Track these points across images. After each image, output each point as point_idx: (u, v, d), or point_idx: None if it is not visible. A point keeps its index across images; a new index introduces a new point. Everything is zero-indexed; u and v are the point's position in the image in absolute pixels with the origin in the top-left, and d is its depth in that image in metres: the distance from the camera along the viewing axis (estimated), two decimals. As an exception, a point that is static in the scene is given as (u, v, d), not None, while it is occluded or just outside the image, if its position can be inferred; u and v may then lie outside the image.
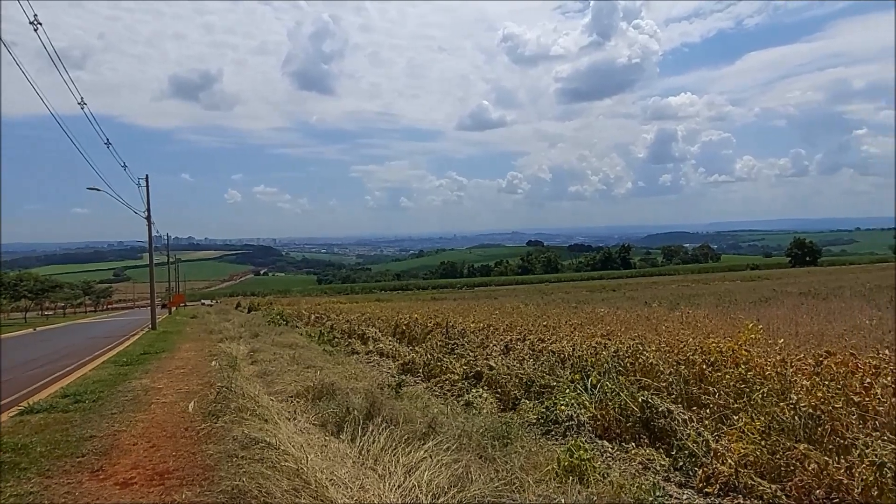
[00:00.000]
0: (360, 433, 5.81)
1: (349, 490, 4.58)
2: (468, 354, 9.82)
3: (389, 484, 4.58)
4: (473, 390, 7.97)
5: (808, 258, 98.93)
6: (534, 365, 8.47)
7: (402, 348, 13.21)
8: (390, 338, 15.32)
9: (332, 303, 38.89)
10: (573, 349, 8.65)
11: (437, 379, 9.19)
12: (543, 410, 6.54)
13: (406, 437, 5.36)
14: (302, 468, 4.72)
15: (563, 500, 3.86)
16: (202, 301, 71.43)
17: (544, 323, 13.00)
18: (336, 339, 16.30)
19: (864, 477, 3.71)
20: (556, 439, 5.91)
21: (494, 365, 8.52)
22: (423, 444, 5.13)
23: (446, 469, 4.58)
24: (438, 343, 11.54)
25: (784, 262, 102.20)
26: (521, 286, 78.61)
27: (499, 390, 7.88)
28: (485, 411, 6.84)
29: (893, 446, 3.53)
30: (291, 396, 8.22)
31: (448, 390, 8.58)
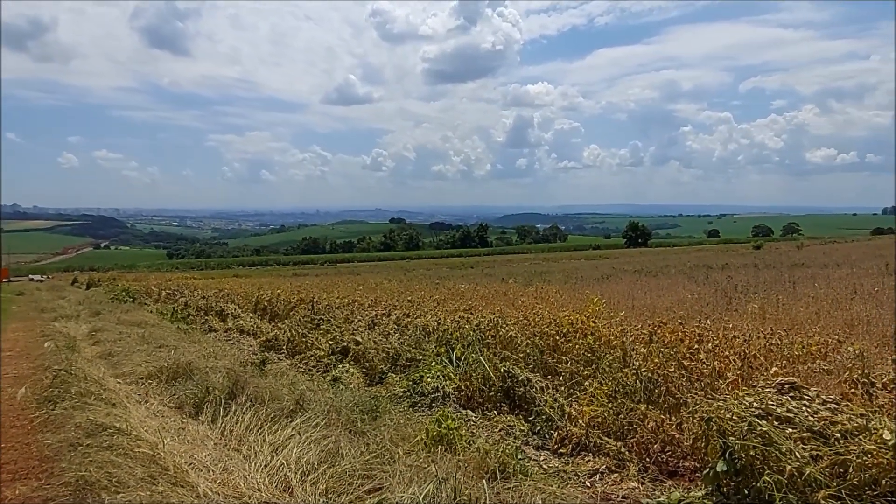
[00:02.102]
0: (221, 413, 5.51)
1: (211, 473, 4.33)
2: (334, 330, 9.66)
3: (255, 464, 4.39)
4: (340, 365, 7.87)
5: (640, 240, 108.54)
6: (400, 339, 8.52)
7: (265, 325, 12.70)
8: (251, 314, 14.66)
9: (185, 278, 36.40)
10: (437, 323, 8.82)
11: (303, 355, 8.94)
12: (410, 383, 6.61)
13: (272, 415, 5.16)
14: (158, 453, 4.38)
15: (433, 469, 3.92)
16: (30, 276, 63.44)
17: (409, 298, 13.13)
18: (191, 317, 15.29)
19: (694, 431, 4.14)
20: (423, 411, 5.99)
21: (361, 340, 8.46)
22: (290, 422, 4.97)
23: (316, 445, 4.48)
24: (303, 319, 11.24)
25: (620, 243, 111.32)
26: (384, 263, 78.72)
27: (366, 365, 7.84)
28: (352, 386, 6.77)
29: (718, 403, 3.96)
30: (142, 378, 7.59)
31: (314, 366, 8.39)
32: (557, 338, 7.23)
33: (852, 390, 4.83)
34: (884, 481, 3.26)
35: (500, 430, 5.40)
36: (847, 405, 4.13)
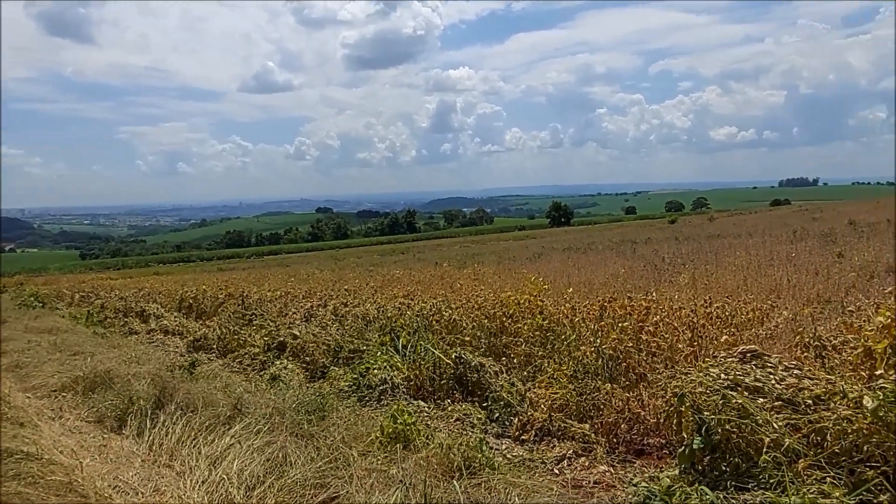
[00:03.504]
0: (148, 425, 4.89)
1: (140, 496, 3.77)
2: (268, 325, 9.04)
3: (191, 481, 3.85)
4: (278, 362, 7.31)
5: (563, 219, 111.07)
6: (340, 330, 8.05)
7: (191, 323, 11.84)
8: (175, 313, 13.69)
9: (100, 279, 34.06)
10: (379, 311, 8.40)
11: (236, 353, 8.30)
12: (356, 376, 6.18)
13: (208, 423, 4.61)
14: (75, 479, 3.77)
15: (394, 471, 3.54)
16: None
17: (345, 287, 12.60)
18: (109, 320, 14.12)
19: (663, 409, 3.96)
20: (373, 405, 5.60)
21: (299, 333, 7.92)
22: (228, 430, 4.44)
23: (259, 454, 3.99)
24: (233, 315, 10.51)
25: (545, 223, 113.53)
26: (313, 253, 76.81)
27: (306, 360, 7.32)
28: (294, 384, 6.26)
29: (690, 377, 3.77)
30: (55, 391, 6.76)
31: (249, 365, 7.78)
32: (504, 319, 6.98)
33: (804, 354, 4.82)
34: (865, 447, 3.16)
35: (455, 420, 5.08)
36: (809, 370, 4.06)
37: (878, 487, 2.92)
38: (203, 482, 3.80)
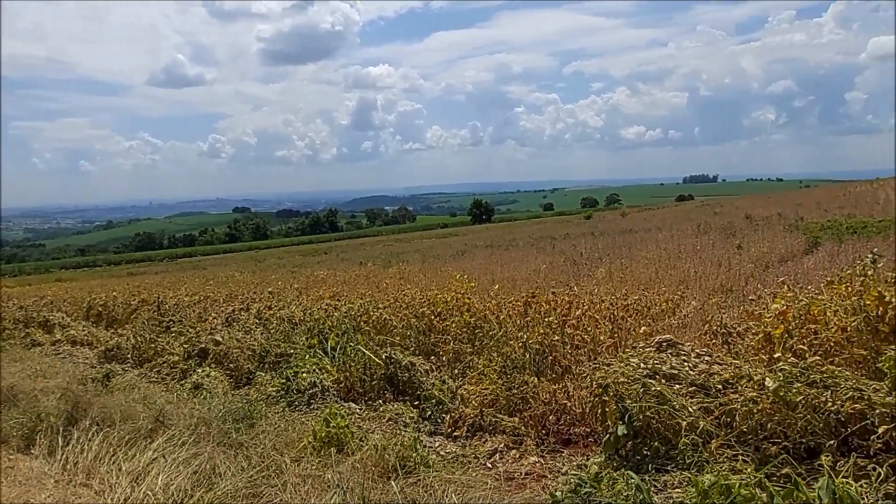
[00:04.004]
0: (60, 443, 4.58)
1: (55, 519, 3.54)
2: (188, 331, 8.65)
3: (112, 499, 3.66)
4: (199, 370, 7.02)
5: (484, 216, 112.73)
6: (265, 334, 7.83)
7: (102, 332, 11.15)
8: (84, 322, 12.84)
9: (-6, 288, 31.41)
10: (305, 313, 8.23)
11: (153, 363, 7.89)
12: (284, 381, 6.04)
13: (127, 437, 4.37)
14: (-21, 506, 3.49)
15: (329, 476, 3.50)
16: None
17: (268, 289, 12.26)
18: (7, 332, 13.05)
19: (588, 399, 4.12)
20: (302, 409, 5.49)
21: (221, 339, 7.63)
22: (151, 443, 4.23)
23: (186, 467, 3.83)
24: (148, 322, 9.98)
25: (466, 220, 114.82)
26: (231, 255, 74.12)
27: (230, 366, 7.07)
28: (219, 391, 6.04)
29: (613, 368, 3.95)
30: (-51, 412, 6.20)
31: (168, 374, 7.43)
32: (433, 318, 7.03)
33: (713, 341, 5.15)
34: (769, 425, 3.42)
35: (388, 421, 5.07)
36: (718, 356, 4.35)
37: (782, 461, 3.17)
38: (125, 500, 3.62)
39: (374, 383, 5.84)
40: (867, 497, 2.75)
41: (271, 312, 9.14)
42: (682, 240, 19.20)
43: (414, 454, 3.85)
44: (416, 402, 5.38)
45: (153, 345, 8.50)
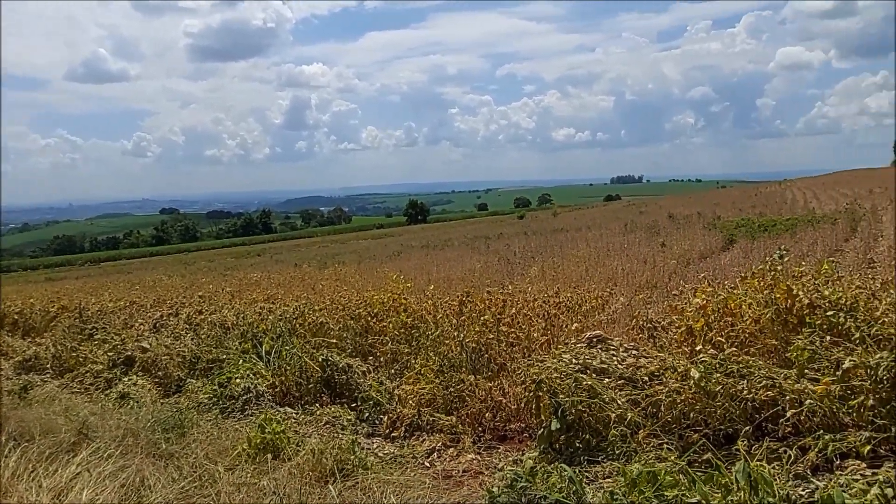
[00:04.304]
0: (-29, 462, 4.26)
1: (-34, 543, 3.29)
2: (112, 338, 8.23)
3: (31, 519, 3.44)
4: (126, 378, 6.70)
5: (420, 217, 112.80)
6: (196, 340, 7.55)
7: (18, 342, 10.43)
8: (-4, 331, 11.98)
9: None
10: (238, 317, 7.99)
11: (75, 373, 7.47)
12: (216, 388, 5.84)
13: (48, 452, 4.11)
14: None
15: (265, 483, 3.42)
16: None
17: (199, 293, 11.84)
18: None
19: (523, 395, 4.21)
20: (236, 416, 5.33)
21: (149, 346, 7.31)
22: (74, 457, 4.00)
23: (112, 481, 3.64)
24: (69, 329, 9.43)
25: (402, 220, 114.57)
26: (158, 258, 70.95)
27: (158, 374, 6.78)
28: (147, 401, 5.78)
29: (546, 364, 4.05)
30: None
31: (91, 384, 7.04)
32: (370, 319, 6.99)
33: (639, 335, 5.36)
34: (691, 414, 3.60)
35: (325, 424, 5.00)
36: (645, 350, 4.54)
37: (703, 448, 3.34)
38: (46, 519, 3.41)
39: (310, 387, 5.75)
40: (779, 478, 2.93)
41: (202, 317, 8.82)
42: (610, 238, 19.90)
43: (352, 457, 3.81)
44: (353, 405, 5.34)
45: (75, 353, 8.04)
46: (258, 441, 4.10)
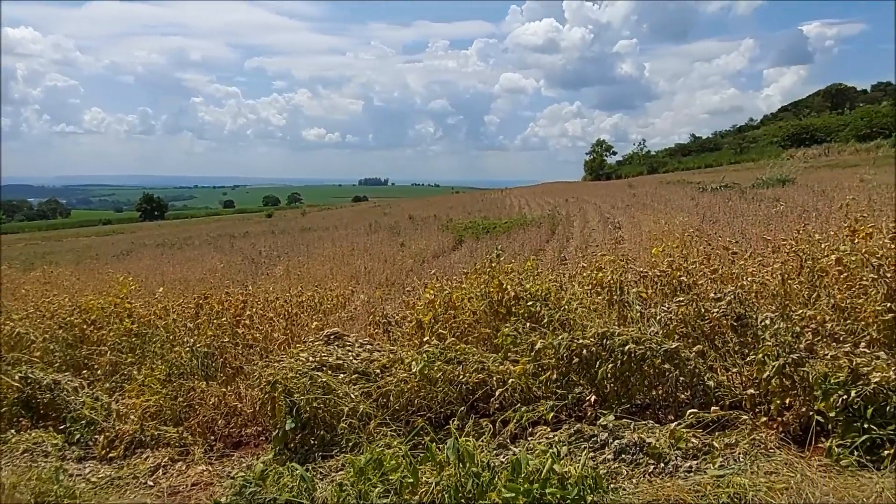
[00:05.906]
0: None
1: None
2: None
3: None
4: None
5: (156, 213, 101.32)
6: None
7: None
8: None
9: None
10: None
11: None
12: None
13: None
14: None
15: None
16: None
17: None
18: None
19: (259, 398, 4.04)
20: None
21: None
22: None
23: None
24: None
25: (135, 216, 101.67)
26: None
27: None
28: None
29: (283, 364, 3.95)
30: None
31: None
32: (85, 327, 6.04)
33: (376, 330, 5.56)
34: (416, 401, 3.84)
35: (23, 453, 4.16)
36: (379, 344, 4.72)
37: (424, 431, 3.60)
38: None
39: (4, 410, 4.73)
40: (485, 449, 3.30)
41: None
42: (355, 238, 20.34)
43: (55, 487, 3.25)
44: (61, 426, 4.54)
45: None
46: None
